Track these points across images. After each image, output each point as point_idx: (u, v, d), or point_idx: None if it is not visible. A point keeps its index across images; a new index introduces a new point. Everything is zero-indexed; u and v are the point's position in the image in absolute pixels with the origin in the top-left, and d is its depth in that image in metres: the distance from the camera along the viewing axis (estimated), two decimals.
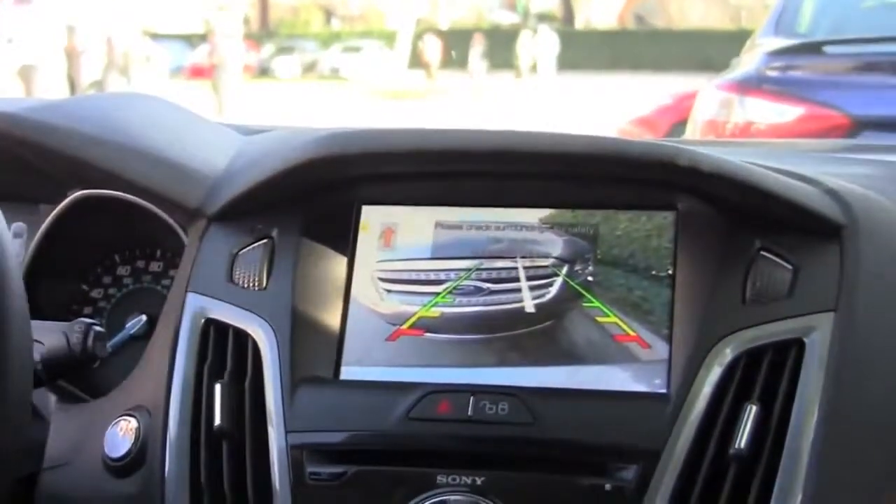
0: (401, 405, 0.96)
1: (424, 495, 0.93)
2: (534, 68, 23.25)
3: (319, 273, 1.05)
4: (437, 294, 1.03)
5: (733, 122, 3.36)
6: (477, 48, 24.01)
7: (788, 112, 3.31)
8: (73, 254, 1.19)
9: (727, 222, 1.01)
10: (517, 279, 1.02)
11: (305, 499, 0.95)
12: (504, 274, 1.03)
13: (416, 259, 1.05)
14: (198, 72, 24.02)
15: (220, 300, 1.04)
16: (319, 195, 1.07)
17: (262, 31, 33.20)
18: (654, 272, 1.00)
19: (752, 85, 3.46)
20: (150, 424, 1.01)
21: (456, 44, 26.20)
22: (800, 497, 0.89)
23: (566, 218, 1.04)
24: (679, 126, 4.41)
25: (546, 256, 1.03)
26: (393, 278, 1.04)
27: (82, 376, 1.12)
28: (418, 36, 27.30)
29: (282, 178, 1.07)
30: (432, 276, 1.04)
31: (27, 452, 1.01)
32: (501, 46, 27.74)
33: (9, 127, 1.12)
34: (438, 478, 0.93)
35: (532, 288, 1.02)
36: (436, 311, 1.02)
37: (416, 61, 26.67)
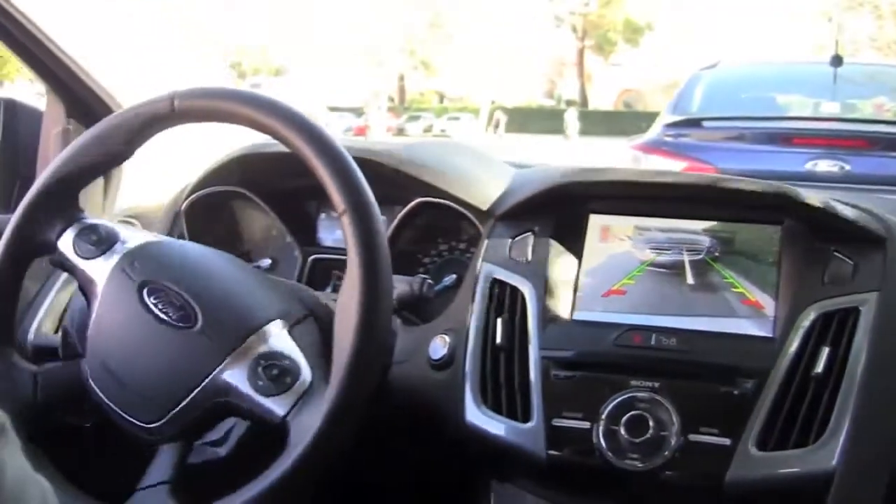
0: (610, 336, 0.96)
1: (622, 391, 0.92)
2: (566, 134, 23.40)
3: (563, 253, 1.04)
4: (663, 250, 1.02)
5: None
6: (502, 119, 24.73)
7: (676, 165, 3.12)
8: (413, 235, 1.20)
9: (814, 233, 0.98)
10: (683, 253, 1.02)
11: (549, 391, 0.95)
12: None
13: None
14: (360, 131, 24.12)
15: (502, 268, 1.04)
16: (565, 206, 1.06)
17: (400, 106, 33.05)
18: (767, 262, 0.99)
19: (652, 146, 3.31)
20: (457, 340, 1.01)
21: (514, 117, 26.10)
22: (852, 406, 0.87)
23: (714, 227, 1.02)
24: None
25: (699, 244, 1.02)
26: (647, 246, 1.03)
27: (417, 309, 1.13)
28: (494, 110, 27.18)
29: (542, 195, 1.06)
30: (660, 244, 1.02)
31: (388, 352, 1.02)
32: (542, 120, 27.47)
33: (387, 159, 1.14)
34: (631, 382, 0.93)
35: (688, 254, 1.01)
36: (659, 258, 1.01)
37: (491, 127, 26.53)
